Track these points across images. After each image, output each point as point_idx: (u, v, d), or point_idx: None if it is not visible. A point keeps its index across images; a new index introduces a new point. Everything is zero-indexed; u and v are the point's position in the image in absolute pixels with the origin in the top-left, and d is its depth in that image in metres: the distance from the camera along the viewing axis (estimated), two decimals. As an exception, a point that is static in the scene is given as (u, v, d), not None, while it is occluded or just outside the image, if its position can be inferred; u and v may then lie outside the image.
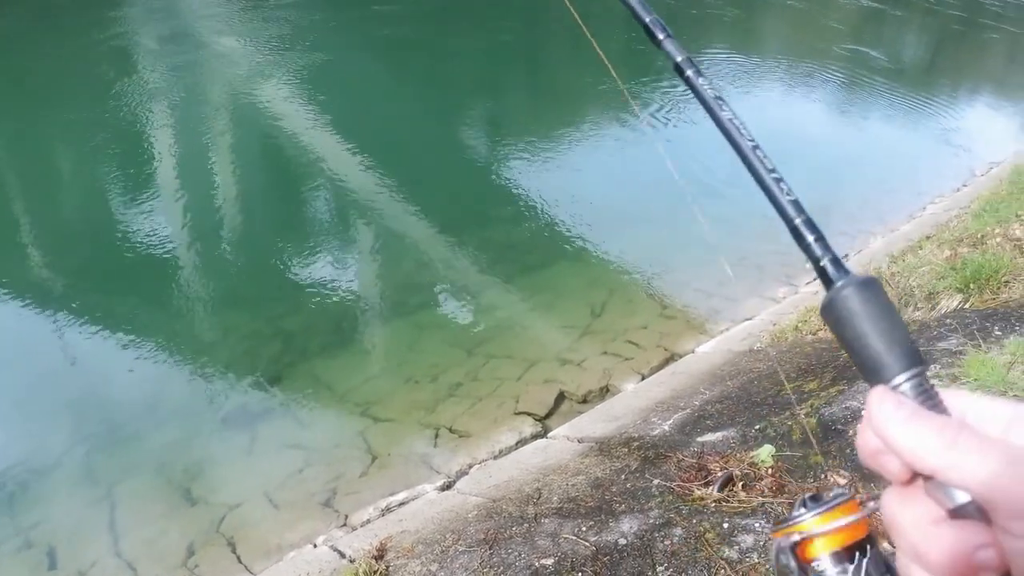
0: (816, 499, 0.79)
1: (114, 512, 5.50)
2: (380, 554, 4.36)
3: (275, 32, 15.47)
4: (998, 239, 6.83)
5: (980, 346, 4.66)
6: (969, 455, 0.60)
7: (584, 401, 6.38)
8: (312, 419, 6.38)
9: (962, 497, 0.60)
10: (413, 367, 6.92)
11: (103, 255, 8.90)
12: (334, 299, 7.98)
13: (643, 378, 6.55)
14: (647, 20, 0.97)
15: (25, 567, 5.11)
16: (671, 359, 6.82)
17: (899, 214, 9.47)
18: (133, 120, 12.09)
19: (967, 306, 5.82)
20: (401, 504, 5.18)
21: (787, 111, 13.73)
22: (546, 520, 4.40)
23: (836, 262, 0.75)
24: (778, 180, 0.81)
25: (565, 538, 4.20)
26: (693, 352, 6.85)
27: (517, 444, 5.79)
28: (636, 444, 5.06)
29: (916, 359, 0.68)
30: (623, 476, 4.70)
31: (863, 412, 0.68)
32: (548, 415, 6.23)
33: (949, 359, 4.67)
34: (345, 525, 5.17)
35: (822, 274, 0.76)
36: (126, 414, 6.43)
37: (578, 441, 5.45)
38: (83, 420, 6.38)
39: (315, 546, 4.89)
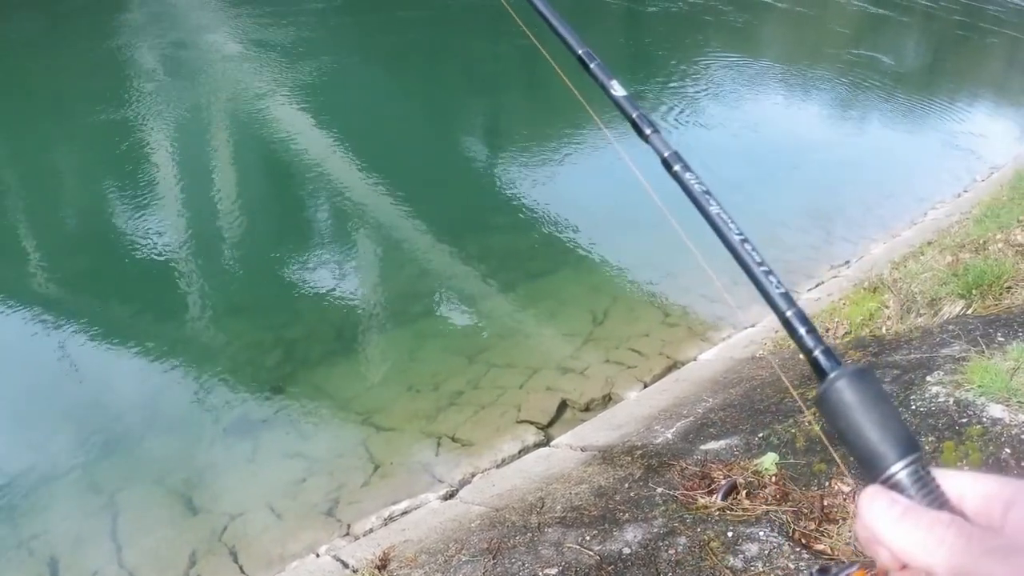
0: (825, 572, 0.81)
1: (116, 521, 5.48)
2: (383, 564, 4.35)
3: (278, 40, 15.47)
4: (1000, 245, 6.82)
5: (983, 352, 4.65)
6: (959, 554, 0.60)
7: (587, 409, 6.37)
8: (314, 428, 6.36)
9: None
10: (414, 376, 6.91)
11: (105, 263, 8.89)
12: (335, 308, 7.97)
13: (645, 386, 6.54)
14: (634, 116, 1.01)
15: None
16: (674, 367, 6.81)
17: (900, 220, 9.47)
18: (135, 127, 12.08)
19: (969, 312, 5.81)
20: (404, 513, 5.17)
21: (789, 115, 13.74)
22: (549, 529, 4.38)
23: (828, 353, 0.76)
24: (767, 273, 0.82)
25: (569, 547, 4.18)
26: (695, 360, 6.85)
27: (520, 453, 5.78)
28: (639, 452, 5.05)
29: (911, 447, 0.69)
30: (626, 485, 4.69)
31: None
32: (550, 423, 6.21)
33: (952, 365, 4.66)
34: (348, 534, 5.16)
35: (815, 365, 0.76)
36: (128, 423, 6.42)
37: (581, 449, 5.44)
38: (85, 429, 6.36)
39: (318, 556, 4.87)
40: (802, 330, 0.79)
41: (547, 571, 4.04)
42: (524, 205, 10.17)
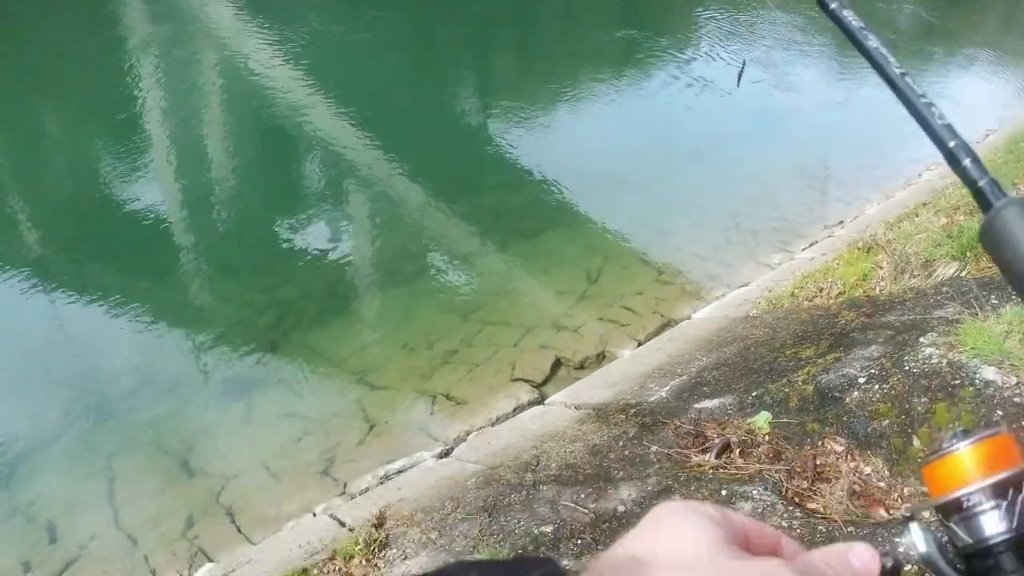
0: (967, 433, 0.77)
1: (112, 485, 5.50)
2: (379, 522, 4.37)
3: (270, 4, 15.33)
4: (994, 206, 6.82)
5: (977, 315, 4.67)
6: None
7: (581, 367, 6.39)
8: (308, 388, 6.38)
9: None
10: (408, 334, 6.91)
11: (96, 227, 8.87)
12: (328, 268, 7.96)
13: (640, 344, 6.55)
14: None
15: (25, 542, 5.11)
16: (668, 325, 6.82)
17: (895, 180, 9.46)
18: (125, 91, 12.01)
19: (964, 274, 5.83)
20: (399, 472, 5.19)
21: (779, 77, 13.67)
22: (544, 487, 4.41)
23: (994, 184, 0.73)
24: (929, 105, 0.80)
25: (564, 505, 4.21)
26: (689, 318, 6.86)
27: (514, 411, 5.80)
28: (633, 411, 5.07)
29: None
30: (621, 443, 4.71)
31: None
32: (545, 382, 6.23)
33: (946, 327, 4.68)
34: (344, 494, 5.18)
35: (979, 196, 0.73)
36: (122, 386, 6.42)
37: (575, 408, 5.46)
38: (79, 394, 6.37)
39: (314, 515, 4.90)
40: (966, 161, 0.76)
41: (542, 529, 4.07)
42: (517, 164, 10.15)
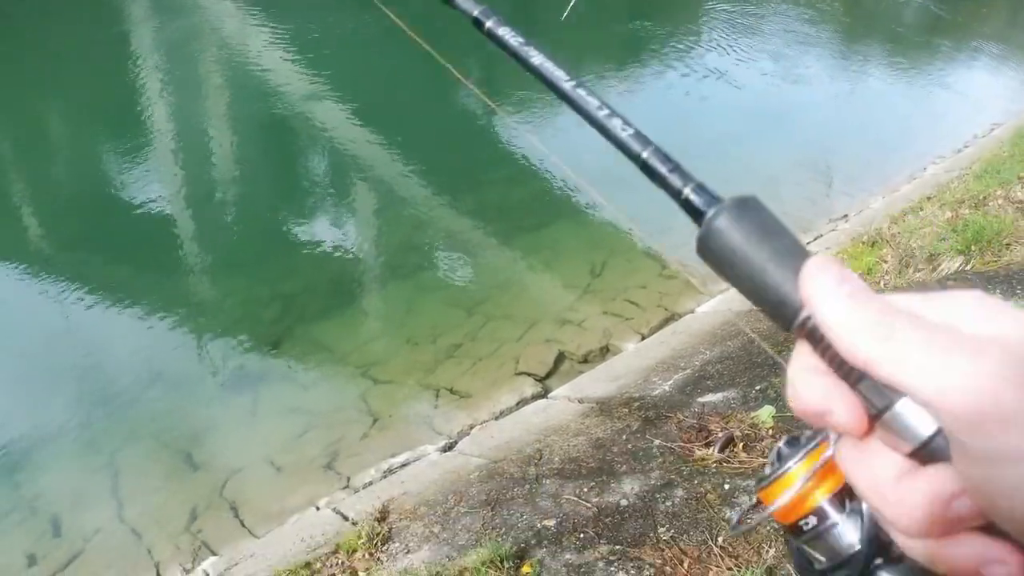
0: (794, 442, 0.74)
1: (117, 479, 5.51)
2: (382, 516, 4.38)
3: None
4: (1000, 201, 6.81)
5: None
6: (912, 342, 0.49)
7: (584, 361, 6.37)
8: (312, 382, 6.38)
9: (923, 430, 0.50)
10: (412, 328, 6.91)
11: (100, 221, 8.88)
12: (332, 262, 7.96)
13: (643, 338, 6.54)
14: None
15: (30, 535, 5.12)
16: (671, 319, 6.80)
17: (900, 175, 9.42)
18: (129, 86, 12.03)
19: (968, 268, 5.82)
20: (403, 466, 5.19)
21: (786, 69, 13.64)
22: (548, 481, 4.41)
23: (701, 189, 0.64)
24: (610, 116, 0.70)
25: (567, 499, 4.21)
26: (693, 312, 6.84)
27: (518, 404, 5.78)
28: (637, 404, 5.07)
29: None
30: (624, 436, 4.71)
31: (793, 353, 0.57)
32: (548, 375, 6.22)
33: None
34: (347, 487, 5.18)
35: (689, 208, 0.64)
36: (126, 381, 6.43)
37: (579, 401, 5.45)
38: (84, 388, 6.38)
39: (318, 509, 4.90)
40: (664, 170, 0.66)
41: (545, 523, 4.07)
42: (521, 157, 10.13)
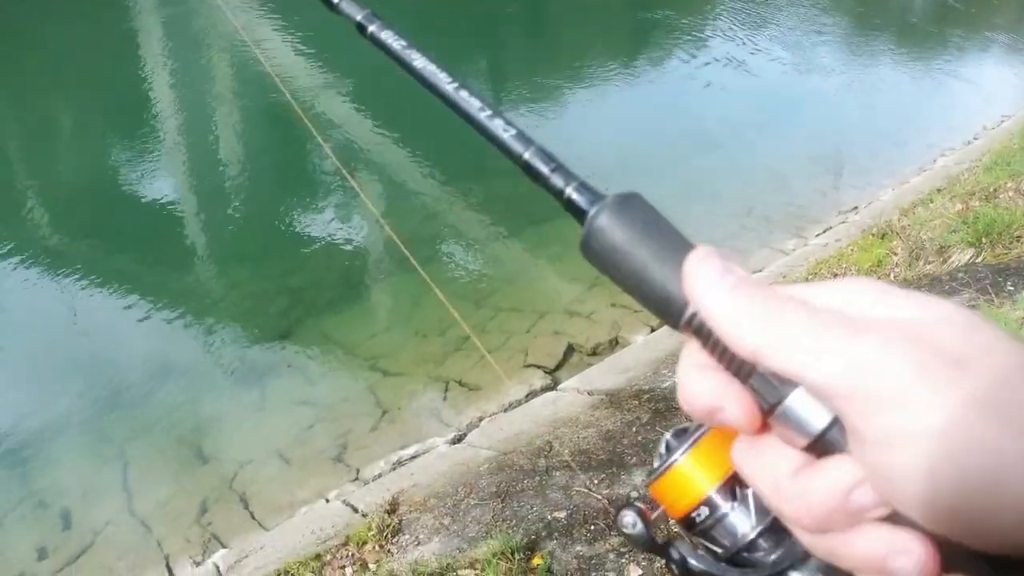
0: (681, 433, 0.73)
1: (126, 472, 5.51)
2: (392, 508, 4.38)
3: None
4: (1010, 193, 6.79)
5: (993, 301, 4.64)
6: (799, 326, 0.48)
7: (594, 353, 6.36)
8: (321, 375, 6.38)
9: (818, 422, 0.48)
10: (421, 321, 6.90)
11: (109, 214, 8.88)
12: (340, 255, 7.96)
13: (652, 330, 6.52)
14: None
15: (41, 528, 5.13)
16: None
17: (909, 166, 9.38)
18: (135, 78, 12.03)
19: (979, 260, 5.80)
20: (412, 458, 5.19)
21: (797, 59, 13.60)
22: (557, 473, 4.41)
23: (583, 188, 0.62)
24: (492, 116, 0.68)
25: (577, 491, 4.21)
26: (703, 305, 6.82)
27: (527, 397, 5.78)
28: (646, 396, 5.06)
29: None
30: (634, 428, 4.71)
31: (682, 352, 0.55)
32: (557, 367, 6.21)
33: (962, 313, 4.65)
34: (357, 480, 5.18)
35: (570, 206, 0.63)
36: (136, 374, 6.43)
37: (588, 393, 5.45)
38: (92, 381, 6.38)
39: (327, 501, 4.90)
40: (545, 170, 0.64)
41: (555, 515, 4.07)
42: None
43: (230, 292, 7.48)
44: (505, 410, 5.65)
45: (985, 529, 0.43)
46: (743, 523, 0.68)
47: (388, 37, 0.78)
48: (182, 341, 6.83)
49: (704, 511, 0.69)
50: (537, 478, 4.39)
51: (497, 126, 0.67)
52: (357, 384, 6.23)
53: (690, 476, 0.69)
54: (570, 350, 6.39)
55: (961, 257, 5.90)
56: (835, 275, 6.38)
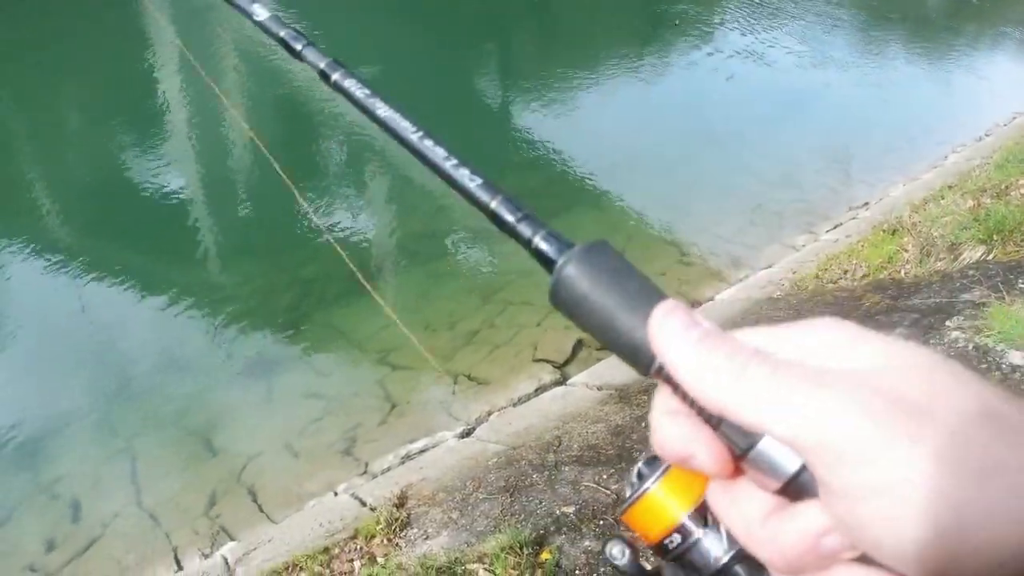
0: (653, 461, 0.73)
1: (135, 464, 5.52)
2: (401, 502, 4.39)
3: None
4: (1022, 190, 6.76)
5: (1004, 299, 4.62)
6: (761, 382, 0.48)
7: (603, 348, 6.34)
8: (330, 367, 6.39)
9: (789, 467, 0.49)
10: (430, 314, 6.90)
11: (118, 206, 8.90)
12: (350, 247, 7.95)
13: (661, 327, 6.51)
14: (282, 35, 0.85)
15: (48, 519, 5.14)
16: (690, 306, 6.77)
17: (921, 162, 9.35)
18: (144, 69, 12.05)
19: (990, 257, 5.77)
20: (421, 452, 5.19)
21: (808, 52, 13.56)
22: (566, 468, 4.41)
23: (551, 237, 0.62)
24: (458, 166, 0.69)
25: (586, 486, 4.21)
26: (712, 299, 6.82)
27: (536, 391, 5.78)
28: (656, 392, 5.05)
29: None
30: (643, 424, 4.70)
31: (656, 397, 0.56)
32: (567, 362, 6.20)
33: (972, 311, 4.64)
34: (365, 473, 5.18)
35: (540, 258, 0.62)
36: (144, 366, 6.45)
37: (597, 388, 5.45)
38: (101, 373, 6.41)
39: (336, 494, 4.91)
40: (512, 219, 0.65)
41: (564, 509, 4.07)
42: (539, 143, 10.12)
43: (240, 284, 7.49)
44: (514, 404, 5.65)
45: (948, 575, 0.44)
46: (716, 547, 0.69)
47: (351, 85, 0.77)
48: (191, 333, 6.85)
49: (677, 538, 0.70)
50: (546, 473, 4.39)
51: (463, 175, 0.68)
52: (366, 377, 6.24)
53: (663, 504, 0.71)
54: (579, 345, 6.38)
55: (972, 254, 5.88)
56: (845, 271, 6.37)
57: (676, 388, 0.53)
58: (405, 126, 0.71)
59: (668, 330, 0.53)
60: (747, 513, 0.52)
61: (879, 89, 12.23)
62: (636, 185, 8.92)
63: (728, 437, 0.51)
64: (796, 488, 0.49)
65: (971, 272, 5.38)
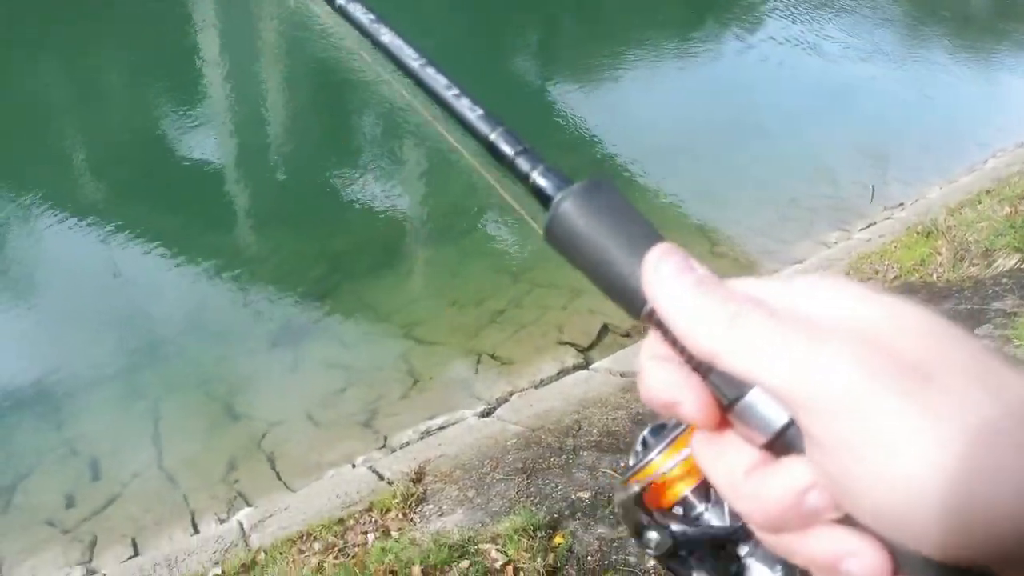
0: (659, 430, 0.72)
1: (157, 426, 5.57)
2: (418, 477, 4.40)
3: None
4: (1062, 200, 6.68)
5: (1036, 308, 4.58)
6: (757, 329, 0.47)
7: (628, 335, 6.33)
8: (355, 339, 6.41)
9: (776, 421, 0.47)
10: (457, 291, 6.91)
11: (153, 171, 8.94)
12: (381, 221, 7.97)
13: (688, 317, 6.49)
14: None
15: (69, 476, 5.20)
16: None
17: (959, 165, 9.24)
18: (183, 37, 12.08)
19: (1024, 267, 5.72)
20: (440, 428, 5.20)
21: (849, 47, 13.42)
22: (585, 453, 4.41)
23: (550, 172, 0.60)
24: (459, 96, 0.67)
25: (603, 472, 4.21)
26: (742, 292, 6.78)
27: (559, 374, 5.77)
28: (678, 383, 5.03)
29: None
30: (664, 415, 4.68)
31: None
32: (591, 347, 6.19)
33: (1003, 320, 4.60)
34: (384, 447, 5.20)
35: (535, 191, 0.61)
36: (172, 329, 6.49)
37: (620, 375, 5.43)
38: (130, 334, 6.45)
39: (354, 466, 4.93)
40: (511, 152, 0.63)
41: (580, 494, 4.07)
42: (573, 126, 10.09)
43: (271, 253, 7.52)
44: (536, 386, 5.65)
45: (933, 538, 0.42)
46: (717, 523, 0.68)
47: (356, 10, 0.74)
48: (220, 299, 6.89)
49: (679, 511, 0.69)
50: (564, 457, 4.39)
51: (463, 105, 0.66)
52: (390, 351, 6.25)
53: (666, 476, 0.70)
54: (604, 330, 6.36)
55: (1007, 262, 5.81)
56: (876, 271, 6.32)
57: (666, 333, 0.51)
58: (408, 53, 0.70)
59: (662, 273, 0.51)
60: (731, 466, 0.50)
61: (923, 87, 12.10)
62: (671, 171, 8.87)
63: (716, 387, 0.49)
64: (783, 443, 0.47)
65: (1004, 280, 5.33)
